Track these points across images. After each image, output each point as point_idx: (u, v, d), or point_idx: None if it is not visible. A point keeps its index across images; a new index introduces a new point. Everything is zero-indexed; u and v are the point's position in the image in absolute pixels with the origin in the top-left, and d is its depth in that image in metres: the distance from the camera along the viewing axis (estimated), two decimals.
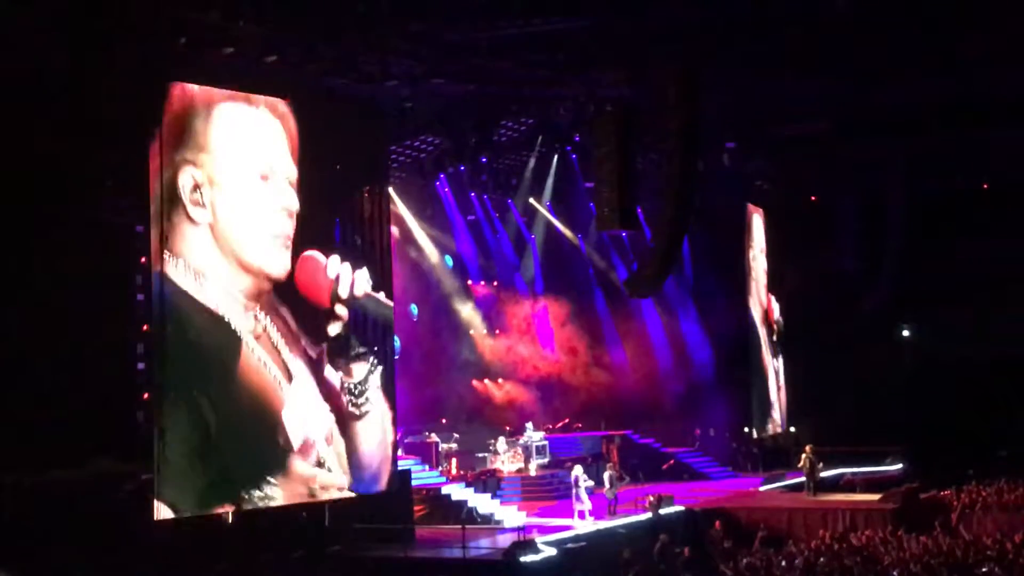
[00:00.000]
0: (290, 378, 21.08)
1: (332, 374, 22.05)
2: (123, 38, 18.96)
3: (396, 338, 25.61)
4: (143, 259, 19.44)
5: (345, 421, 22.22)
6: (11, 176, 18.38)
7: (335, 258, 22.34)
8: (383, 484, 22.89)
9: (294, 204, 21.37)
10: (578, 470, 25.66)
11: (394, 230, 26.25)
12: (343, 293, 22.35)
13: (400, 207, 29.82)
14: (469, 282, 34.64)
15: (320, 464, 21.46)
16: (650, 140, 26.98)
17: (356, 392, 22.55)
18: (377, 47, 22.63)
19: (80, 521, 18.35)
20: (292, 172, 21.52)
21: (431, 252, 32.49)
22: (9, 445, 17.93)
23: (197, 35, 20.11)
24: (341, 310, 22.33)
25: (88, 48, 18.61)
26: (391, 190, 25.28)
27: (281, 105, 21.51)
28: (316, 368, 21.72)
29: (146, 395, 19.33)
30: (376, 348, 23.06)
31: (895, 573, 19.17)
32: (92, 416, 18.89)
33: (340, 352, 22.28)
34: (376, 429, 22.88)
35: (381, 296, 23.24)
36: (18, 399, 18.17)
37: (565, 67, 25.22)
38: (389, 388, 23.31)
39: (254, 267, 20.57)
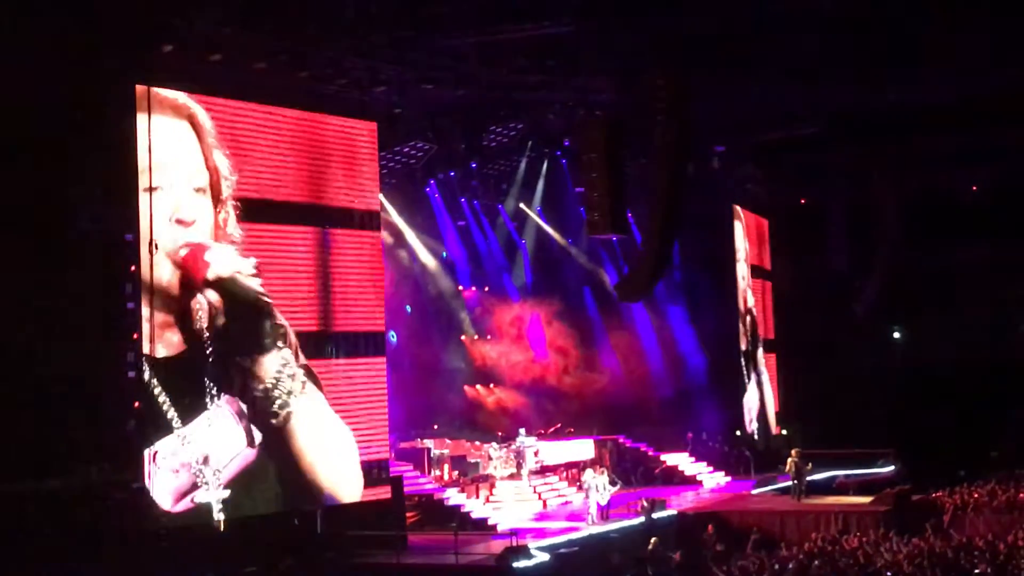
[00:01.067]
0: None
1: (232, 382, 20.43)
2: (111, 47, 18.97)
3: (392, 333, 25.44)
4: (132, 267, 19.41)
5: (263, 435, 20.74)
6: (3, 185, 18.34)
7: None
8: (354, 492, 22.40)
9: (188, 213, 20.03)
10: (588, 474, 25.77)
11: (385, 235, 26.24)
12: (211, 275, 20.34)
13: (391, 213, 29.81)
14: (460, 287, 34.61)
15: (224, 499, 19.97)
16: (640, 145, 26.98)
17: (268, 394, 20.97)
18: (366, 53, 22.64)
19: (72, 529, 18.28)
20: (200, 177, 20.36)
21: (422, 257, 32.48)
22: (0, 454, 17.86)
23: (184, 42, 20.10)
24: (212, 295, 20.36)
25: (79, 56, 18.62)
26: (382, 196, 25.24)
27: (190, 104, 20.29)
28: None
29: (137, 404, 19.30)
30: (280, 330, 21.43)
31: (888, 575, 19.17)
32: (83, 425, 18.80)
33: (231, 349, 20.53)
34: (313, 433, 21.60)
35: (238, 275, 20.85)
36: (9, 408, 18.08)
37: (554, 72, 25.25)
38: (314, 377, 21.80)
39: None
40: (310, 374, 21.81)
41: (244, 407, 20.51)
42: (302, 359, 21.65)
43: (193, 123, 20.41)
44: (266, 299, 21.16)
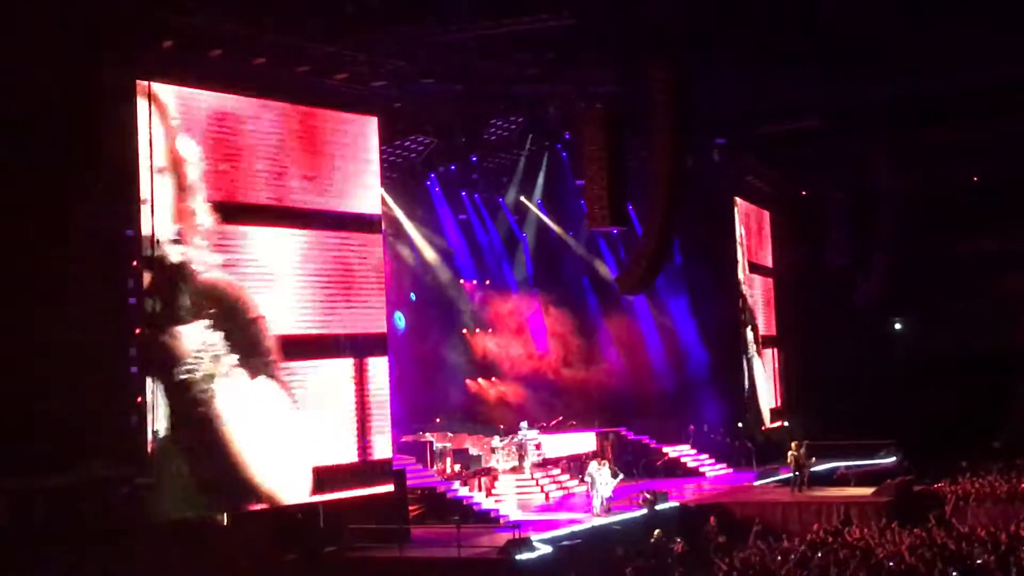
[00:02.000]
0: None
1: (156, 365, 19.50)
2: (111, 44, 18.98)
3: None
4: (135, 263, 19.44)
5: (183, 424, 19.75)
6: (2, 182, 18.36)
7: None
8: (297, 495, 21.47)
9: (142, 191, 19.48)
10: (592, 466, 25.83)
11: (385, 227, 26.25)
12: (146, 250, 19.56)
13: (392, 206, 29.82)
14: (461, 281, 34.64)
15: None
16: (640, 137, 26.97)
17: (191, 376, 19.93)
18: (366, 48, 22.63)
19: (75, 525, 18.32)
20: (159, 157, 19.80)
21: (422, 251, 32.50)
22: (3, 449, 17.88)
23: (184, 38, 20.11)
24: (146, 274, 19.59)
25: (79, 53, 18.64)
26: (382, 190, 25.24)
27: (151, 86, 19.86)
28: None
29: (139, 399, 19.33)
30: (212, 308, 20.43)
31: (890, 565, 19.20)
32: (86, 420, 18.82)
33: (153, 326, 19.60)
34: (246, 427, 20.56)
35: (158, 241, 19.77)
36: (12, 403, 18.11)
37: (554, 65, 25.24)
38: (258, 357, 21.01)
39: None
40: (256, 366, 20.93)
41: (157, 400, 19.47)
42: (268, 356, 21.23)
43: (155, 103, 19.81)
44: (186, 269, 20.00)
